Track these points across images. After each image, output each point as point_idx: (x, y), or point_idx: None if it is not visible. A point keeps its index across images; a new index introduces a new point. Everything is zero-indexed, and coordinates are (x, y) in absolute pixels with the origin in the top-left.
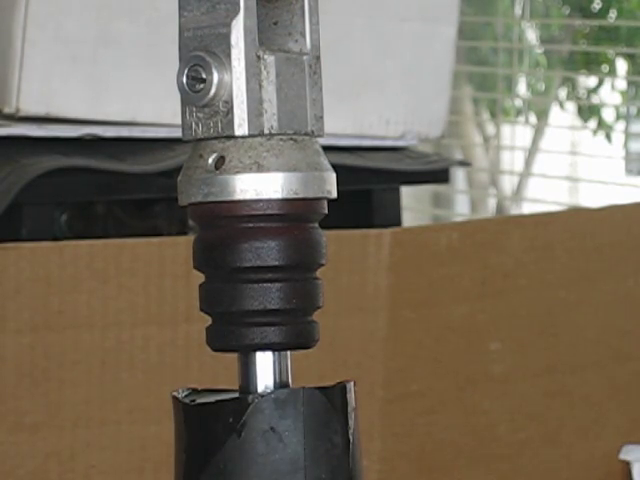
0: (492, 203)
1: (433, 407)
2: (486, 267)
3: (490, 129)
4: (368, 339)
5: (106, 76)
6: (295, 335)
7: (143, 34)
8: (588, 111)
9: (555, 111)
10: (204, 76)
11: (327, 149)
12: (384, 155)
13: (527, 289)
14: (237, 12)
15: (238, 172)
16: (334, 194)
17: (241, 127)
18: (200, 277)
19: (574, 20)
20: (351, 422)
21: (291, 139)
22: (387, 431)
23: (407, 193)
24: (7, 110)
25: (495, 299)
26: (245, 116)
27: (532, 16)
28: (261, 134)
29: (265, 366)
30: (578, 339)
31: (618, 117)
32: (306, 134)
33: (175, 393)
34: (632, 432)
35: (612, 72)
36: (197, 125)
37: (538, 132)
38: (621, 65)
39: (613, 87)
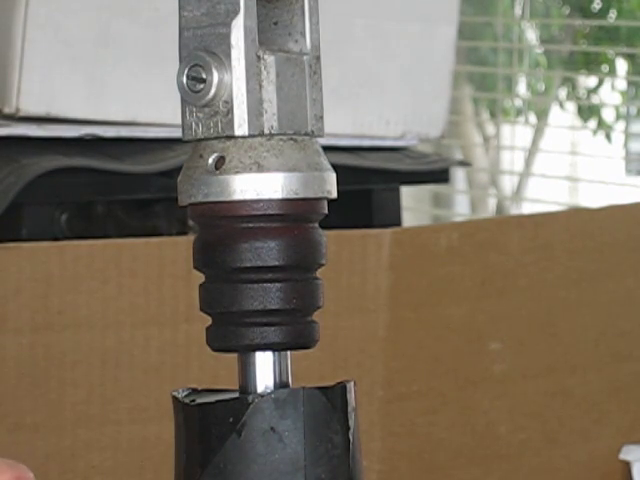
0: (492, 203)
1: (433, 407)
2: (486, 267)
3: (490, 129)
4: (368, 339)
5: (106, 76)
6: (295, 335)
7: (143, 34)
8: (588, 111)
9: (555, 111)
10: (204, 76)
11: (327, 149)
12: (384, 155)
13: (527, 289)
14: (237, 12)
15: (238, 172)
16: (334, 194)
17: (241, 127)
18: (200, 277)
19: (574, 20)
20: (351, 422)
21: (291, 139)
22: (387, 431)
23: (407, 193)
24: (7, 110)
25: (495, 299)
26: (245, 116)
27: (532, 16)
28: (261, 134)
29: (265, 366)
30: (578, 339)
31: (618, 117)
32: (306, 134)
33: (175, 393)
34: (632, 432)
35: (612, 72)
36: (197, 125)
37: (538, 132)
38: (621, 65)
39: (613, 87)
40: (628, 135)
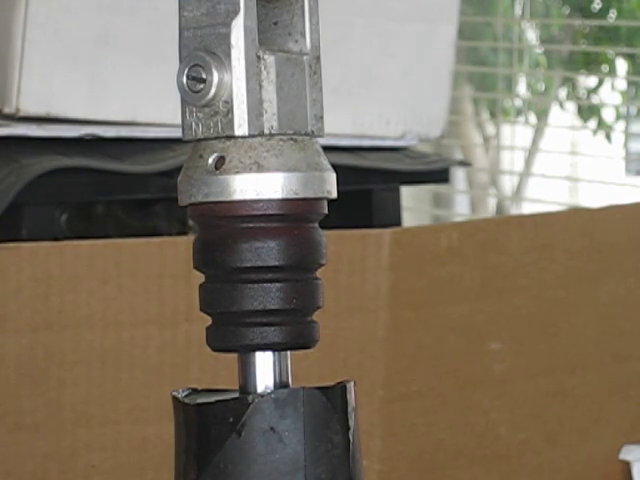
0: (492, 203)
1: (433, 407)
2: (486, 267)
3: (490, 129)
4: (368, 339)
5: (106, 76)
6: (295, 335)
7: (143, 34)
8: (588, 111)
9: (555, 111)
10: (204, 76)
11: (327, 149)
12: (384, 155)
13: (527, 289)
14: (237, 12)
15: (238, 172)
16: (334, 194)
17: (241, 127)
18: (200, 277)
19: (574, 20)
20: (351, 422)
21: (291, 139)
22: (387, 431)
23: (407, 193)
24: (7, 110)
25: (495, 299)
26: (245, 116)
27: (532, 16)
28: (261, 134)
29: (265, 366)
30: (578, 339)
31: (618, 117)
32: (306, 134)
33: (175, 393)
34: (632, 432)
35: (612, 72)
36: (197, 125)
37: (538, 132)
38: (621, 65)
39: (613, 87)
40: (628, 135)
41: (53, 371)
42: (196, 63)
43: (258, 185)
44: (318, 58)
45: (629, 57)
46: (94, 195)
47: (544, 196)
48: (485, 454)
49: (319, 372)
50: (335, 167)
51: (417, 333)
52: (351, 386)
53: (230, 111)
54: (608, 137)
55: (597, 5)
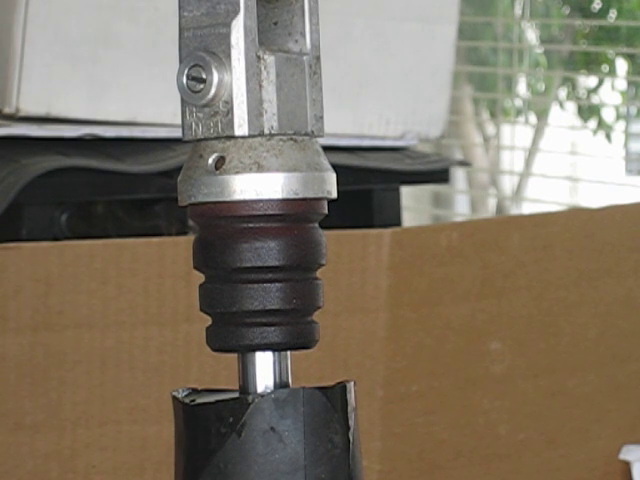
0: (492, 203)
1: (433, 407)
2: (486, 267)
3: (490, 129)
4: (368, 339)
5: (106, 76)
6: (295, 335)
7: (143, 34)
8: (588, 111)
9: (555, 111)
10: (204, 76)
11: (327, 149)
12: (384, 155)
13: (527, 289)
14: (237, 12)
15: (238, 172)
16: (334, 194)
17: (241, 127)
18: (200, 277)
19: (574, 20)
20: (351, 422)
21: (291, 139)
22: (387, 431)
23: (407, 193)
24: (7, 110)
25: (495, 299)
26: (245, 116)
27: (532, 16)
28: (261, 134)
29: (265, 366)
30: (578, 339)
31: (618, 117)
32: (306, 134)
33: (175, 393)
34: (632, 432)
35: (612, 72)
36: (197, 125)
37: (538, 132)
38: (621, 65)
39: (613, 87)
40: (628, 135)
41: (53, 371)
42: (196, 63)
43: (258, 185)
44: (318, 58)
45: (629, 57)
46: (94, 195)
47: (544, 196)
48: (485, 454)
49: (319, 372)
50: (335, 167)
51: (417, 333)
52: (351, 386)
53: (230, 111)
54: (608, 137)
55: (597, 5)
